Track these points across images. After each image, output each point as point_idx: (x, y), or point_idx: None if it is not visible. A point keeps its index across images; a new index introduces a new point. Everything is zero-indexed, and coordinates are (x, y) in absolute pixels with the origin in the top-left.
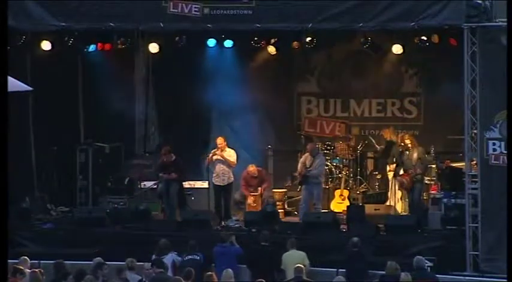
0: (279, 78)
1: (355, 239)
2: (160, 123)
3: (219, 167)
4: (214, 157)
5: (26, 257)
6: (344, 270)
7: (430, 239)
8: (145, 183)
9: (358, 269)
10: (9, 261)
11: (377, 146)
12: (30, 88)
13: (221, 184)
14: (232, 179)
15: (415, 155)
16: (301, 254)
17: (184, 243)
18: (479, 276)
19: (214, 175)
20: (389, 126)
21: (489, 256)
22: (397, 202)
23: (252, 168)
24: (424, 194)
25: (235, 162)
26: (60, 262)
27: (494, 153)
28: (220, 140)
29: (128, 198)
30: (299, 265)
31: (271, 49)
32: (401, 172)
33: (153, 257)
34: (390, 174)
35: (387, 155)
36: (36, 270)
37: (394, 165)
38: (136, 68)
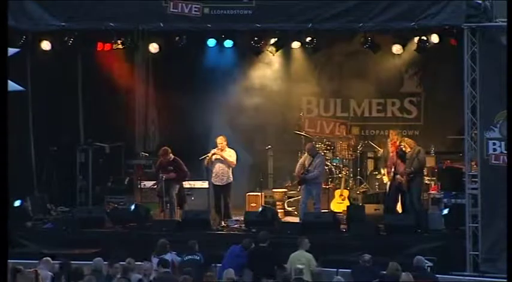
0: (279, 78)
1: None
2: (161, 123)
3: (218, 167)
4: (214, 157)
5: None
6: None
7: (430, 239)
8: (145, 183)
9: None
10: (10, 261)
11: (378, 148)
12: (23, 88)
13: (220, 184)
14: (232, 178)
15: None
16: (308, 256)
17: (184, 243)
18: (479, 276)
19: (213, 175)
20: (394, 127)
21: (489, 256)
22: (396, 202)
23: None
24: (424, 194)
25: (235, 162)
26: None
27: (495, 153)
28: (220, 140)
29: (127, 198)
30: (299, 266)
31: (271, 49)
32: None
33: (153, 257)
34: (384, 178)
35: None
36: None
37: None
38: (136, 68)
